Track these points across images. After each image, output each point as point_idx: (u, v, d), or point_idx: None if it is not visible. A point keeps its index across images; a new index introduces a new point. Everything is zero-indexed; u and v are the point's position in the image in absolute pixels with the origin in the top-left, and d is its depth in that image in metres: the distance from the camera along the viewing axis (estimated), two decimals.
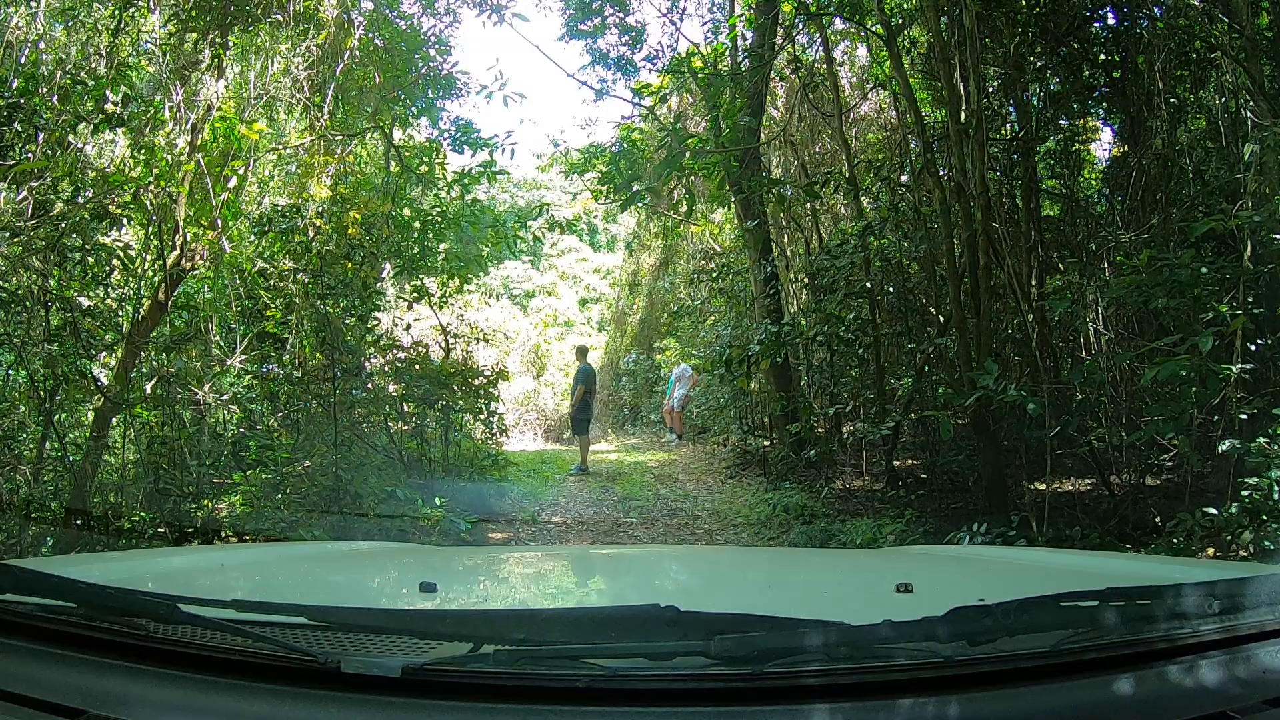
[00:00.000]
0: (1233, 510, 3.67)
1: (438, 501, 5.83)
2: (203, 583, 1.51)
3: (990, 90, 6.21)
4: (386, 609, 1.33)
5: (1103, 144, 7.84)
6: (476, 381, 8.17)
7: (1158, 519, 4.29)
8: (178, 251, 5.27)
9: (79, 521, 4.46)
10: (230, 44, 5.80)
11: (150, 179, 5.05)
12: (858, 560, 2.60)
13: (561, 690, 0.88)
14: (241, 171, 5.86)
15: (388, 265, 7.91)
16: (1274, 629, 0.99)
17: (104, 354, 5.31)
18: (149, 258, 5.54)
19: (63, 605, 0.99)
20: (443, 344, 8.87)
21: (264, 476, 5.30)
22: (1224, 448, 3.87)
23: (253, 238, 6.73)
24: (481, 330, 10.14)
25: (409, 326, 8.96)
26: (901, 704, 0.87)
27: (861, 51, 10.26)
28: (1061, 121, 6.66)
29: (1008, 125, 6.78)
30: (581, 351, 11.53)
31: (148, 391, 5.17)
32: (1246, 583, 1.05)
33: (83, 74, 4.75)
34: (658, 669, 0.87)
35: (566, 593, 1.78)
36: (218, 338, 6.42)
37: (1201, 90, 6.17)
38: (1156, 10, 5.96)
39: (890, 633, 0.90)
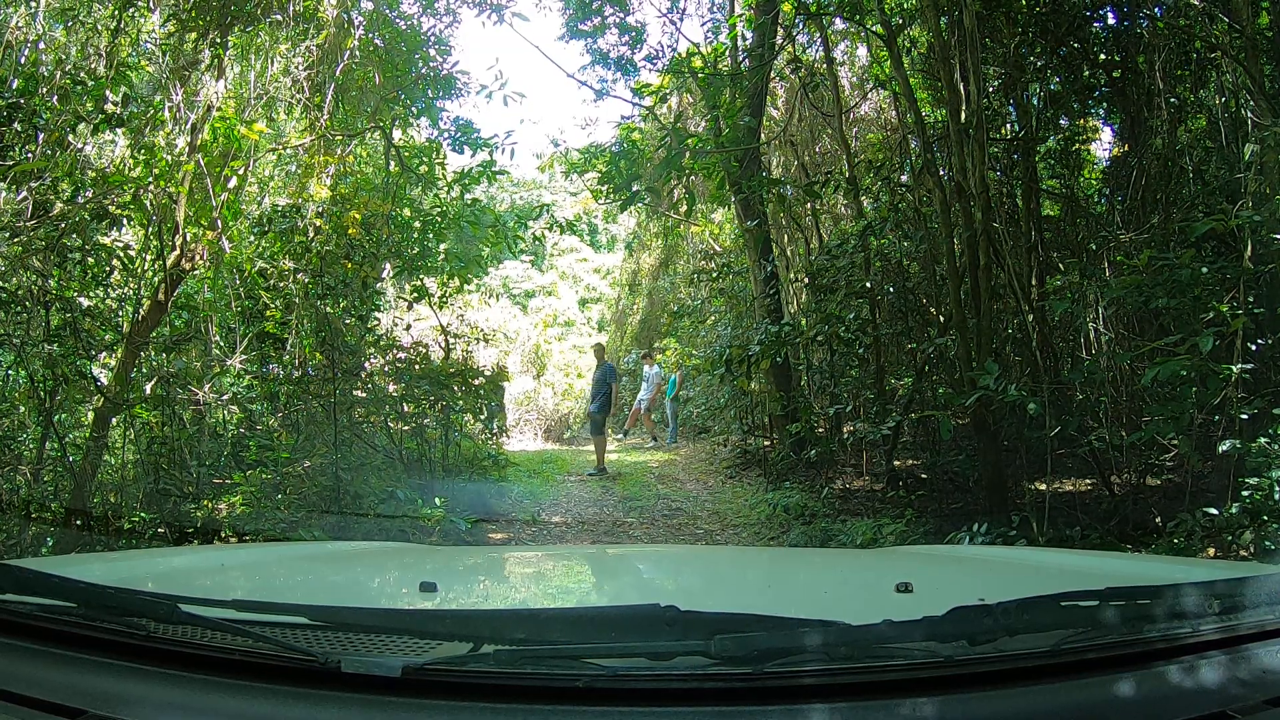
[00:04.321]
0: (1233, 510, 3.66)
1: (437, 502, 5.82)
2: (203, 583, 1.51)
3: (990, 90, 6.20)
4: (386, 609, 1.33)
5: (1103, 144, 7.85)
6: (476, 382, 8.15)
7: (1158, 519, 4.27)
8: (177, 251, 5.26)
9: (79, 522, 4.46)
10: (230, 44, 5.79)
11: (150, 179, 5.04)
12: (858, 560, 2.60)
13: (561, 690, 0.88)
14: (241, 172, 5.84)
15: (388, 265, 7.89)
16: (1274, 629, 1.00)
17: (104, 354, 5.30)
18: (149, 258, 5.53)
19: (63, 605, 1.00)
20: (442, 344, 8.85)
21: (264, 477, 5.29)
22: (1225, 448, 3.85)
23: (253, 238, 6.71)
24: (481, 330, 10.12)
25: (409, 327, 8.94)
26: (901, 704, 0.87)
27: (861, 51, 10.27)
28: (1062, 121, 6.65)
29: (1008, 125, 6.78)
30: (602, 350, 11.64)
31: (147, 392, 5.16)
32: (1246, 582, 1.05)
33: (82, 74, 4.75)
34: (658, 669, 0.87)
35: (566, 592, 1.78)
36: (218, 338, 6.40)
37: (1201, 90, 6.17)
38: (1157, 10, 5.95)
39: (890, 632, 0.90)
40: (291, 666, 0.90)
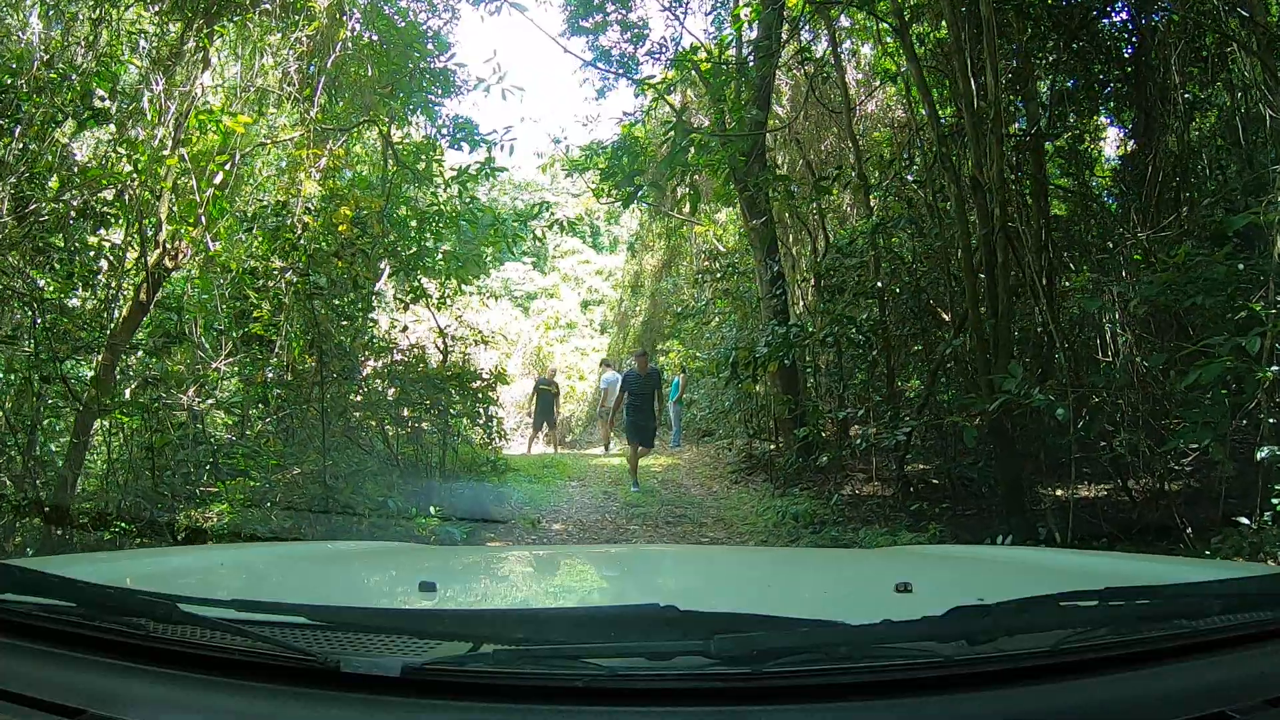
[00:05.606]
0: (1266, 519, 3.59)
1: (432, 510, 5.70)
2: (201, 582, 1.51)
3: (1002, 85, 6.14)
4: (386, 608, 1.33)
5: (1113, 142, 7.77)
6: (474, 385, 8.04)
7: (1188, 530, 4.14)
8: (160, 250, 5.13)
9: (59, 531, 4.35)
10: (217, 34, 5.64)
11: (133, 174, 4.92)
12: (858, 560, 2.60)
13: (561, 690, 0.88)
14: (228, 167, 5.68)
15: (385, 265, 7.77)
16: (1274, 629, 0.99)
17: (85, 357, 5.14)
18: (132, 256, 5.39)
19: (63, 605, 1.00)
20: (440, 346, 8.76)
21: (251, 484, 5.13)
22: (1263, 454, 3.73)
23: (241, 236, 6.47)
24: (481, 332, 10.01)
25: (405, 328, 8.79)
26: (901, 704, 0.87)
27: (867, 49, 10.22)
28: (1071, 119, 6.57)
29: (1017, 123, 6.70)
30: (645, 355, 10.63)
31: (127, 396, 5.02)
32: (1247, 583, 1.06)
33: (63, 66, 4.65)
34: (657, 668, 0.87)
35: (566, 592, 1.78)
36: (204, 340, 6.21)
37: (1210, 88, 6.10)
38: (1168, 4, 5.90)
39: (890, 632, 0.90)
40: (291, 666, 0.90)
